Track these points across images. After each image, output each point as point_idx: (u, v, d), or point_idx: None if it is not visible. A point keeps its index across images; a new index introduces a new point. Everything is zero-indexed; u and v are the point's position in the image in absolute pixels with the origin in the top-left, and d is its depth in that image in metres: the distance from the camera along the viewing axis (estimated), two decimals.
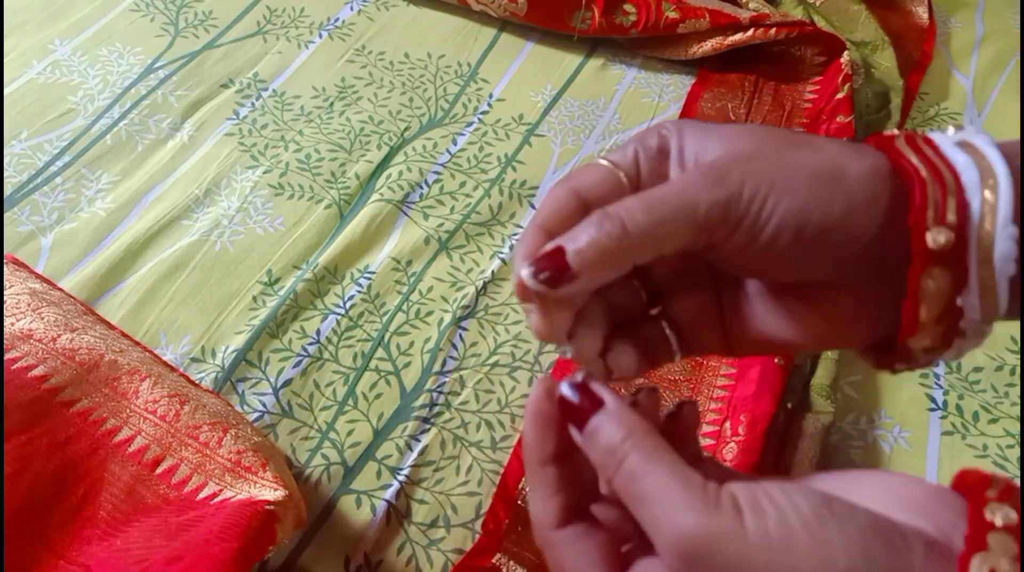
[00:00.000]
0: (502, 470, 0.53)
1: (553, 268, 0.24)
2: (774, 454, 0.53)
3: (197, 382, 0.55)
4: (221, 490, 0.45)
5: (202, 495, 0.45)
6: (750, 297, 0.29)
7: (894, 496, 0.23)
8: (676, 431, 0.28)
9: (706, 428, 0.56)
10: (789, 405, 0.56)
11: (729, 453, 0.53)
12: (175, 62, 0.78)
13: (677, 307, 0.29)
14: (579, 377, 0.26)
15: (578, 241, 0.24)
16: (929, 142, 0.26)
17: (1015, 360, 0.60)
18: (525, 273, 0.25)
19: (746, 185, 0.25)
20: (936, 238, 0.24)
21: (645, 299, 0.29)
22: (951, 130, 0.27)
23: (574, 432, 0.25)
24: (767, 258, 0.26)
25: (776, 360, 0.57)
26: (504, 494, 0.52)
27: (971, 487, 0.22)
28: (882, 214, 0.25)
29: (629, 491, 0.23)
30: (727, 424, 0.55)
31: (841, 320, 0.27)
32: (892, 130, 0.31)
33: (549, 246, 0.25)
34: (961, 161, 0.25)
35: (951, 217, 0.24)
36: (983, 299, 0.24)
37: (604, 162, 0.27)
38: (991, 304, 0.24)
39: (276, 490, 0.44)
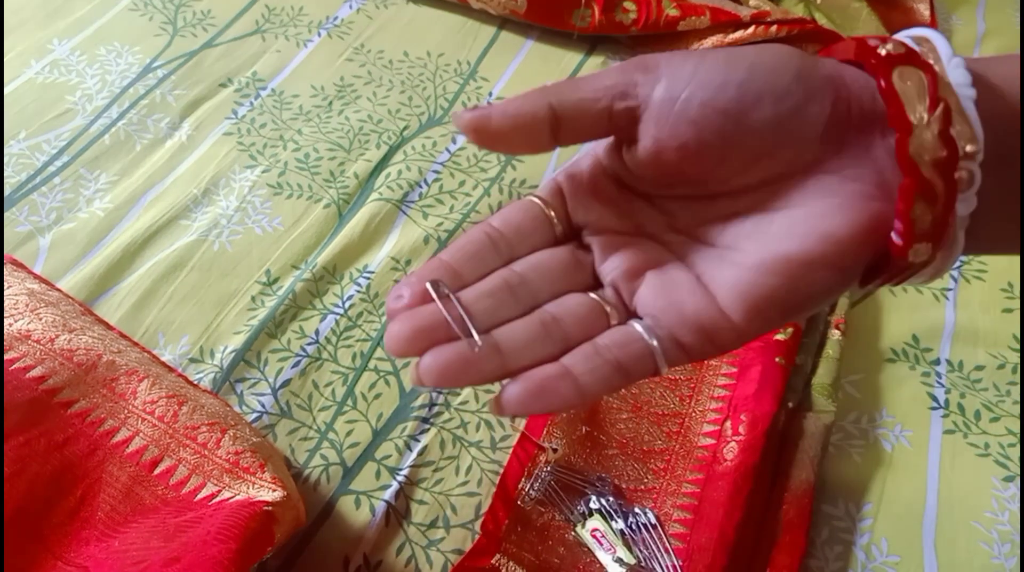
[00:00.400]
0: (502, 470, 0.53)
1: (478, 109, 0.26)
2: (775, 453, 0.53)
3: (195, 382, 0.55)
4: (219, 491, 0.45)
5: (200, 496, 0.45)
6: (729, 240, 0.27)
7: None
8: None
9: (707, 427, 0.56)
10: (790, 404, 0.55)
11: (729, 453, 0.53)
12: (173, 61, 0.78)
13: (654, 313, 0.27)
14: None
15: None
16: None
17: (1017, 358, 0.60)
18: (457, 112, 0.26)
19: (662, 59, 0.25)
20: (886, 47, 0.24)
21: (610, 315, 0.27)
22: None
23: None
24: (707, 143, 0.24)
25: (777, 359, 0.56)
26: (503, 495, 0.52)
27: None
28: (824, 76, 0.24)
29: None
30: (727, 423, 0.55)
31: (832, 208, 0.25)
32: None
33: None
34: (895, 39, 0.25)
35: (898, 47, 0.24)
36: (959, 126, 0.23)
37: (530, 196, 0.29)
38: (969, 132, 0.23)
39: (274, 491, 0.44)
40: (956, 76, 0.23)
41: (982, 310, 0.62)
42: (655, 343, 0.25)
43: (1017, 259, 0.66)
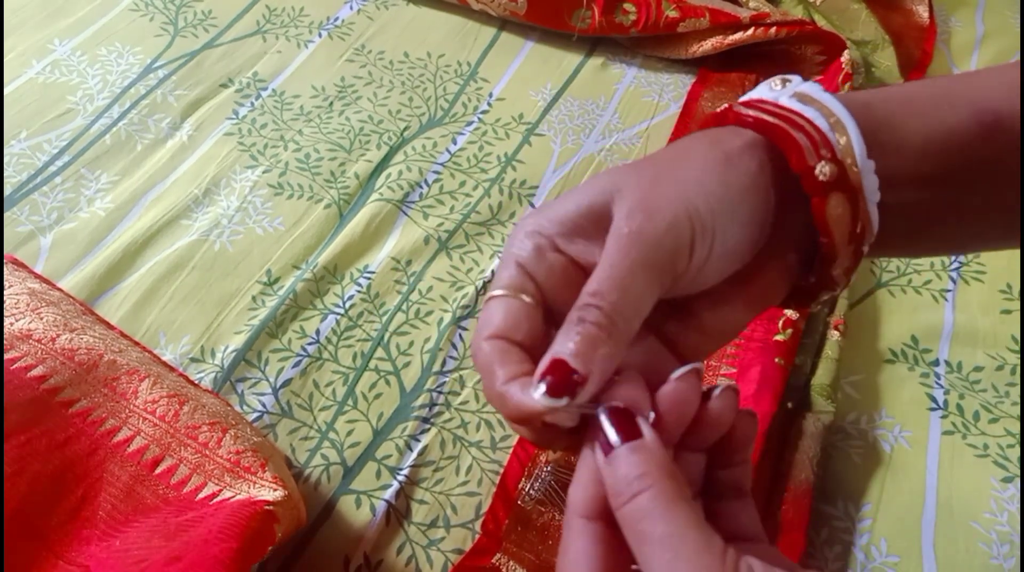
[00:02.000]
0: (502, 470, 0.53)
1: (562, 378, 0.24)
2: (775, 454, 0.53)
3: (196, 382, 0.55)
4: (220, 490, 0.45)
5: (201, 495, 0.45)
6: (693, 311, 0.30)
7: None
8: (714, 432, 0.28)
9: None
10: (789, 405, 0.56)
11: None
12: (174, 62, 0.78)
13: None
14: (620, 404, 0.25)
15: (570, 347, 0.24)
16: (768, 102, 0.29)
17: (1016, 359, 0.60)
18: (540, 397, 0.24)
19: (670, 209, 0.25)
20: (823, 170, 0.26)
21: None
22: (777, 83, 0.30)
23: (598, 454, 0.24)
24: (726, 260, 0.27)
25: (776, 359, 0.57)
26: (504, 495, 0.52)
27: None
28: (771, 176, 0.27)
29: (638, 527, 0.23)
30: None
31: (770, 284, 0.30)
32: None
33: (544, 362, 0.24)
34: (809, 112, 0.27)
35: (826, 153, 0.26)
36: (866, 237, 0.28)
37: (497, 294, 0.27)
38: (871, 234, 0.28)
39: (276, 490, 0.44)
40: (869, 181, 0.27)
41: (981, 312, 0.63)
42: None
43: (1015, 261, 0.66)
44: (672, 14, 0.78)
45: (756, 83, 0.80)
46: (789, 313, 0.59)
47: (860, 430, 0.56)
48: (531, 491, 0.52)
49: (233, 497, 0.44)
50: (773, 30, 0.76)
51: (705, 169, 0.26)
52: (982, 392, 0.58)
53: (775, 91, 0.29)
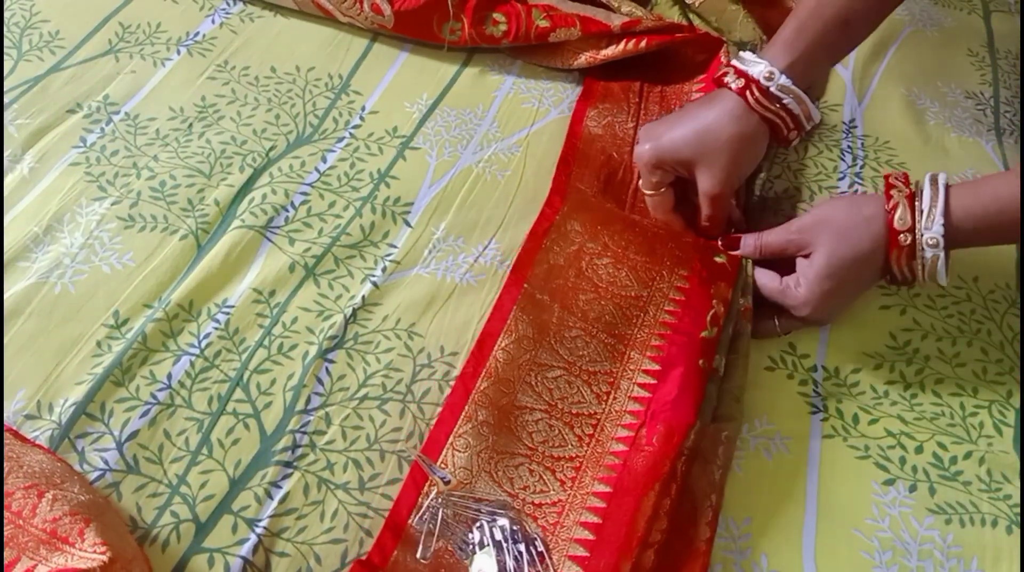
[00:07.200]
0: (393, 501, 0.50)
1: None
2: (686, 467, 0.50)
3: (28, 438, 0.50)
4: (35, 566, 0.40)
5: None
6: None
7: None
8: None
9: (621, 432, 0.53)
10: (707, 413, 0.53)
11: (640, 464, 0.50)
12: (16, 88, 0.72)
13: None
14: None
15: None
16: (765, 93, 0.60)
17: (894, 356, 0.59)
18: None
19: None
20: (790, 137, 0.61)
21: None
22: (750, 60, 0.62)
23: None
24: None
25: (700, 362, 0.54)
26: (394, 525, 0.49)
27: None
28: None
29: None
30: (643, 431, 0.52)
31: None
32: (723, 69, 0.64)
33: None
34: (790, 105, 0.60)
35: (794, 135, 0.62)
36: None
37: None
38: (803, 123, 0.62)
39: (94, 558, 0.40)
40: (791, 105, 0.61)
41: (859, 307, 0.62)
42: None
43: None
44: (543, 24, 0.75)
45: (640, 92, 0.79)
46: (717, 307, 0.57)
47: (743, 439, 0.55)
48: (420, 523, 0.49)
49: None
50: (644, 43, 0.74)
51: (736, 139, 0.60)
52: (860, 395, 0.57)
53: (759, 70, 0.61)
